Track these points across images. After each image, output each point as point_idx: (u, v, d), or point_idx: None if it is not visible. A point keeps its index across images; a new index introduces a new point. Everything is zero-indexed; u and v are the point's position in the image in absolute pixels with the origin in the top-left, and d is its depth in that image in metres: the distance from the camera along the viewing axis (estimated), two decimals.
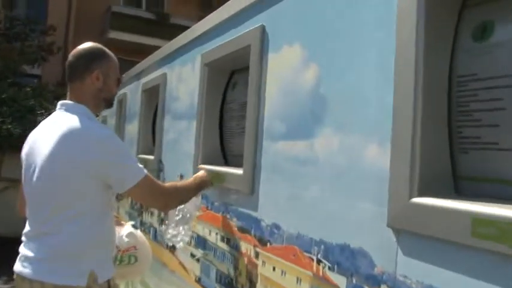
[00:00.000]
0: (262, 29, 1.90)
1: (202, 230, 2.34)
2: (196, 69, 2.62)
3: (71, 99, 1.87)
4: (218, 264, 2.15)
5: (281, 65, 1.76)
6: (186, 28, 3.19)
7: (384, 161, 1.22)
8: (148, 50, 4.64)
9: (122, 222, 2.51)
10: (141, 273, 2.70)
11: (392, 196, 1.18)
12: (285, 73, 1.72)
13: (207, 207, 2.31)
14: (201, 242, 2.36)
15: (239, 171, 1.98)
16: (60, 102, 1.89)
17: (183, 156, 2.73)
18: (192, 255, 2.46)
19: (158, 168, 3.19)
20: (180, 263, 2.64)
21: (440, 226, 1.06)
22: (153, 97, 3.75)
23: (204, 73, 2.45)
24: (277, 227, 1.69)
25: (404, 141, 1.16)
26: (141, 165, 1.83)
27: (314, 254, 1.48)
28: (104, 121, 5.50)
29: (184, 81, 2.84)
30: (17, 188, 2.09)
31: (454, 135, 1.19)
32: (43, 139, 1.81)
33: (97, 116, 1.94)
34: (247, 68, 2.29)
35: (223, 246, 2.11)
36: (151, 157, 3.40)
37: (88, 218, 1.78)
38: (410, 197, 1.13)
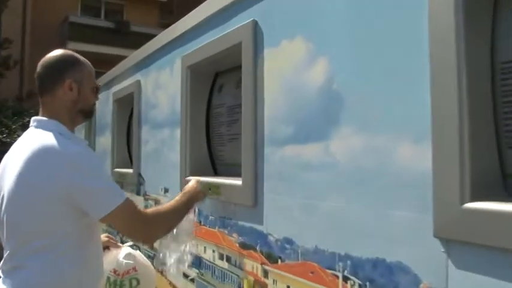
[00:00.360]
0: (255, 24, 1.73)
1: (196, 247, 2.14)
2: (175, 73, 2.43)
3: (43, 115, 1.63)
4: (218, 285, 1.96)
5: (281, 62, 1.59)
6: (146, 35, 3.01)
7: (423, 162, 1.07)
8: (110, 60, 4.41)
9: (119, 244, 2.25)
10: None
11: (440, 202, 1.02)
12: (287, 70, 1.56)
13: (199, 222, 2.11)
14: (195, 260, 2.16)
15: (237, 181, 1.80)
16: (32, 119, 1.66)
17: (167, 168, 2.52)
18: (185, 276, 2.26)
19: (138, 182, 2.97)
20: (171, 284, 2.43)
21: (499, 234, 0.92)
22: (126, 106, 3.53)
23: (187, 77, 2.25)
24: (289, 241, 1.52)
25: (450, 139, 1.01)
26: (119, 189, 1.57)
27: (339, 271, 1.31)
28: None
29: (162, 87, 2.63)
30: None
31: (500, 129, 1.05)
32: (12, 162, 1.57)
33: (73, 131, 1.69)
34: (234, 69, 2.13)
35: (222, 264, 1.92)
36: (129, 170, 3.17)
37: (58, 251, 1.51)
38: (462, 202, 0.98)
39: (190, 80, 2.24)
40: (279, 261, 1.56)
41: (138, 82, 3.01)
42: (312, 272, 1.42)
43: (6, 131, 7.22)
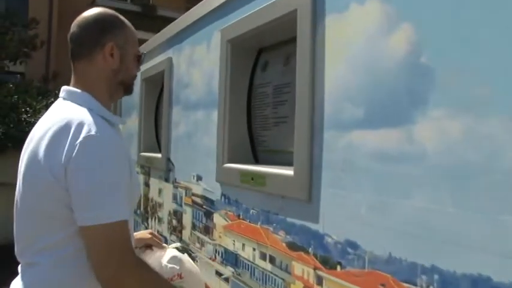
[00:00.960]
0: None
1: (233, 243, 1.91)
2: (213, 49, 2.18)
3: (75, 85, 1.39)
4: (257, 287, 1.72)
5: (348, 30, 1.33)
6: (173, 20, 2.77)
7: None
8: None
9: (164, 244, 1.99)
10: None
11: None
12: (357, 40, 1.29)
13: (238, 216, 1.87)
14: (230, 257, 1.93)
15: (287, 171, 1.55)
16: (62, 88, 1.41)
17: (200, 153, 2.29)
18: (218, 274, 2.03)
19: (167, 168, 2.75)
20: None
21: None
22: (155, 86, 3.31)
23: (227, 52, 2.00)
24: (353, 245, 1.27)
25: None
26: (121, 206, 1.23)
27: (421, 286, 1.06)
28: None
29: (197, 64, 2.39)
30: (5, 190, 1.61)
31: None
32: (32, 139, 1.35)
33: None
34: (281, 44, 1.88)
35: (264, 265, 1.68)
36: (157, 155, 2.95)
37: (70, 248, 1.26)
38: None
39: (231, 55, 1.99)
40: (338, 267, 1.31)
41: (170, 59, 2.77)
42: (382, 285, 1.17)
43: (31, 110, 7.10)
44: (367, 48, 1.25)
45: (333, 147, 1.36)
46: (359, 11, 1.29)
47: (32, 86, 8.65)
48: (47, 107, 8.45)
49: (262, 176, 1.67)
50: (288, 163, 1.62)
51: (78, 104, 1.33)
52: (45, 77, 10.77)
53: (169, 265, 1.80)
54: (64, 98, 1.37)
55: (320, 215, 1.40)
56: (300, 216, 1.49)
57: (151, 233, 1.91)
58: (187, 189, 2.44)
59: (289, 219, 1.55)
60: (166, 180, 2.74)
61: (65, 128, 1.23)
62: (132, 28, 1.45)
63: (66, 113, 1.29)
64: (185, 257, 1.93)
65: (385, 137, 1.19)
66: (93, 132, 1.20)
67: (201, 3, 2.38)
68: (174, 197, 2.63)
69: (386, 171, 1.18)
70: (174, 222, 2.63)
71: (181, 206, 2.52)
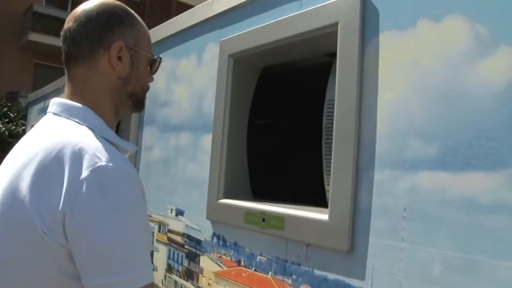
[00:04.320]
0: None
1: None
2: (206, 64, 1.90)
3: (70, 96, 1.01)
4: None
5: (416, 51, 1.11)
6: (190, 7, 2.44)
7: None
8: None
9: None
10: None
11: None
12: (430, 64, 1.08)
13: (237, 262, 1.58)
14: None
15: (318, 214, 1.29)
16: (52, 101, 1.02)
17: (181, 184, 1.97)
18: None
19: None
20: None
21: None
22: None
23: (228, 69, 1.73)
24: None
25: None
26: (147, 263, 0.86)
27: None
28: None
29: (182, 79, 2.09)
30: None
31: None
32: (9, 165, 0.95)
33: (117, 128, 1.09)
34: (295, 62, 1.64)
35: None
36: None
37: None
38: None
39: (233, 73, 1.72)
40: None
41: None
42: None
43: None
44: (446, 74, 1.04)
45: (389, 190, 1.13)
46: (433, 29, 1.08)
47: None
48: None
49: (280, 217, 1.40)
50: (299, 202, 1.37)
51: (75, 121, 0.95)
52: None
53: None
54: (55, 113, 0.98)
55: (367, 269, 1.15)
56: (336, 269, 1.23)
57: None
58: (161, 224, 2.10)
59: (317, 272, 1.28)
60: None
61: (59, 157, 0.85)
62: (145, 26, 1.10)
63: (60, 134, 0.91)
64: None
65: (470, 182, 0.97)
66: (102, 163, 0.83)
67: (189, 11, 2.10)
68: None
69: (473, 224, 0.96)
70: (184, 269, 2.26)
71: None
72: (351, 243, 1.19)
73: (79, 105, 0.98)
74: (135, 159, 2.39)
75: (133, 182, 0.87)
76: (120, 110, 1.05)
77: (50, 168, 0.84)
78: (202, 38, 1.95)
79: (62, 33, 1.03)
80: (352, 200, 1.19)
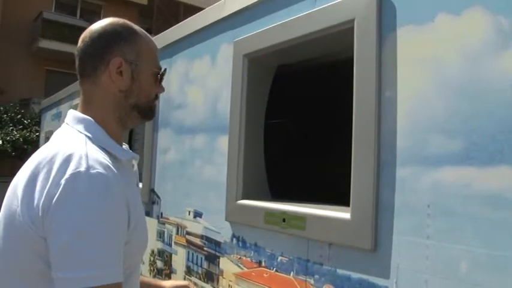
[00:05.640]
0: None
1: None
2: (220, 65, 1.90)
3: (80, 109, 1.11)
4: None
5: (434, 45, 1.10)
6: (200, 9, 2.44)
7: None
8: None
9: None
10: None
11: None
12: (449, 58, 1.06)
13: (258, 263, 1.57)
14: None
15: (339, 213, 1.28)
16: (68, 112, 1.13)
17: (199, 186, 1.97)
18: None
19: (150, 201, 2.39)
20: None
21: None
22: None
23: (243, 69, 1.73)
24: None
25: None
26: (112, 266, 0.90)
27: None
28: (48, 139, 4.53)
29: (196, 82, 2.09)
30: None
31: None
32: (21, 173, 1.03)
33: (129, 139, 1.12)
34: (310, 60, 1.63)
35: None
36: None
37: None
38: None
39: (248, 73, 1.72)
40: None
41: None
42: None
43: None
44: (467, 67, 1.02)
45: (411, 187, 1.11)
46: (452, 23, 1.06)
47: None
48: None
49: (301, 217, 1.39)
50: (315, 199, 1.36)
51: (78, 130, 1.05)
52: None
53: None
54: (67, 123, 1.09)
55: (391, 268, 1.14)
56: (359, 269, 1.22)
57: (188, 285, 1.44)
58: (179, 226, 2.10)
59: (340, 271, 1.27)
60: (148, 214, 2.38)
61: (50, 162, 0.95)
62: (149, 38, 1.15)
63: (59, 141, 1.02)
64: None
65: (498, 177, 0.95)
66: (82, 168, 0.92)
67: (201, 12, 2.10)
68: (160, 235, 2.27)
69: (499, 219, 0.94)
70: (159, 263, 2.26)
71: (169, 245, 2.17)
72: (374, 242, 1.18)
73: (83, 116, 1.09)
74: (150, 162, 2.40)
75: (108, 189, 0.93)
76: (127, 121, 1.14)
77: (42, 171, 0.94)
78: (215, 39, 1.95)
79: (75, 51, 1.12)
80: (374, 197, 1.18)
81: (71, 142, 0.99)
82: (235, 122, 1.73)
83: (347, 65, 1.38)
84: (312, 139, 2.17)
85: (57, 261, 0.89)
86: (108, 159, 0.99)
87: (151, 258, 2.35)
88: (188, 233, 2.02)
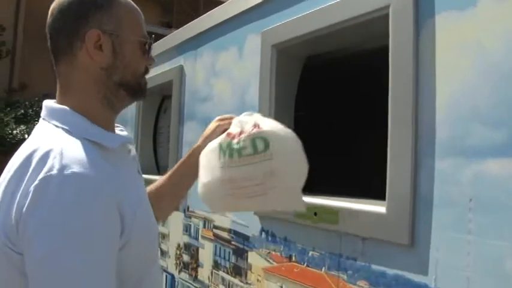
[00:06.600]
0: None
1: None
2: (247, 56, 1.87)
3: (58, 97, 0.97)
4: None
5: (477, 31, 1.04)
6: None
7: None
8: None
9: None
10: (285, 188, 1.13)
11: None
12: (493, 44, 1.01)
13: (288, 257, 1.54)
14: None
15: (374, 207, 1.24)
16: (43, 103, 0.99)
17: None
18: None
19: None
20: None
21: None
22: (155, 99, 2.96)
23: (271, 60, 1.69)
24: None
25: None
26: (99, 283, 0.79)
27: None
28: None
29: (222, 73, 2.06)
30: None
31: None
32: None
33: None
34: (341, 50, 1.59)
35: None
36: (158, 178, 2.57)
37: None
38: None
39: (277, 64, 1.68)
40: None
41: (180, 68, 2.43)
42: None
43: None
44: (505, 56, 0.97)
45: (451, 180, 1.07)
46: (496, 7, 1.01)
47: None
48: (16, 119, 7.87)
49: (333, 211, 1.35)
50: (342, 193, 1.32)
51: (54, 124, 0.91)
52: (8, 90, 10.05)
53: (245, 118, 1.16)
54: (43, 118, 0.95)
55: (430, 264, 1.09)
56: (394, 265, 1.18)
57: (218, 120, 1.30)
58: (206, 220, 2.08)
59: (375, 267, 1.23)
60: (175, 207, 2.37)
61: (24, 165, 0.82)
62: (131, 5, 0.99)
63: (32, 141, 0.88)
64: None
65: None
66: (54, 171, 0.78)
67: (227, 3, 2.06)
68: (186, 228, 2.26)
69: None
70: (186, 257, 2.25)
71: (196, 239, 2.16)
72: (412, 237, 1.13)
73: (59, 106, 0.94)
74: (176, 156, 2.39)
75: (87, 192, 0.80)
76: (115, 102, 0.99)
77: (15, 178, 0.82)
78: (242, 29, 1.91)
79: (46, 29, 0.99)
80: (412, 190, 1.14)
81: (44, 141, 0.86)
82: (264, 114, 1.69)
83: (379, 54, 1.33)
84: (338, 132, 2.12)
85: (30, 279, 0.77)
86: (94, 152, 0.86)
87: (178, 252, 2.34)
88: (215, 227, 2.00)
